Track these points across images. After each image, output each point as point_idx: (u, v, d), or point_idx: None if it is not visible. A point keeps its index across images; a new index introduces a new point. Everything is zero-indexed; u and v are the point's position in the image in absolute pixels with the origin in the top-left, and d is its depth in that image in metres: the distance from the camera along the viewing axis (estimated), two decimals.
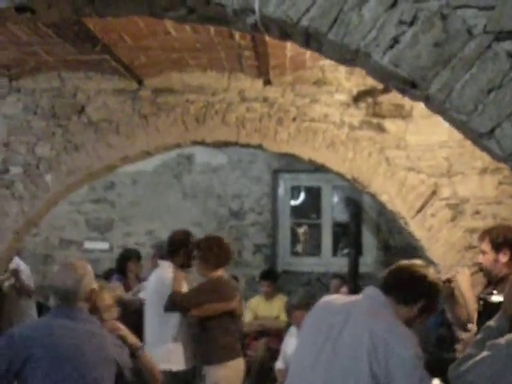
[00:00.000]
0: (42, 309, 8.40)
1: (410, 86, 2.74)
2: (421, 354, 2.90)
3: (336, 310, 3.12)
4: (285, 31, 2.83)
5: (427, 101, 2.76)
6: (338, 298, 3.33)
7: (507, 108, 2.60)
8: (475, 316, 4.29)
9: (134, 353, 4.25)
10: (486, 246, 4.71)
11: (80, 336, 3.97)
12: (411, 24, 2.64)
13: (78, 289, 4.04)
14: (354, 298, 3.26)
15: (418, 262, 3.33)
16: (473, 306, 4.62)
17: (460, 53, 2.62)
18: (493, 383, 2.71)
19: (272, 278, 9.69)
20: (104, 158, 6.33)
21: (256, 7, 2.67)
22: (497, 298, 3.87)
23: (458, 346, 4.09)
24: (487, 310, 3.76)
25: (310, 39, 2.80)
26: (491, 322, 2.93)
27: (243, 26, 2.87)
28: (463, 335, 3.84)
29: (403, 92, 2.88)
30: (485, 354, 2.78)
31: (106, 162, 6.35)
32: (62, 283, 4.04)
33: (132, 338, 4.35)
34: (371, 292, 3.18)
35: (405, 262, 3.32)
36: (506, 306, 3.10)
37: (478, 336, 2.90)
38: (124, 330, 4.36)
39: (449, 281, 4.82)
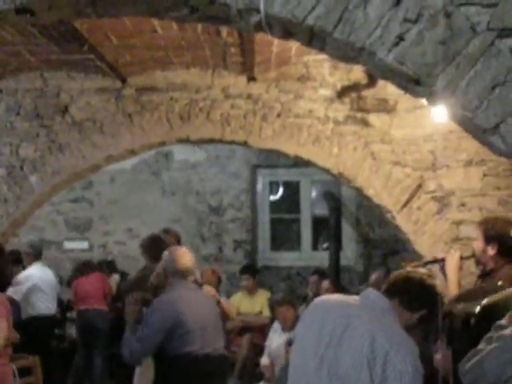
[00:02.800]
0: None
1: (413, 83, 2.77)
2: (420, 367, 2.85)
3: (337, 312, 3.06)
4: (288, 30, 2.84)
5: (431, 97, 2.79)
6: (337, 299, 3.26)
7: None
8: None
9: (218, 302, 5.85)
10: (479, 233, 4.73)
11: (202, 302, 5.19)
12: (416, 22, 2.67)
13: (192, 267, 5.20)
14: (353, 299, 3.19)
15: (425, 271, 3.34)
16: (453, 288, 4.64)
17: (464, 50, 2.66)
18: (501, 372, 2.73)
19: (252, 272, 9.70)
20: (89, 158, 6.28)
21: (261, 7, 2.68)
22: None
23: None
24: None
25: (314, 38, 2.82)
26: (502, 321, 2.94)
27: (246, 26, 2.87)
28: (437, 355, 3.84)
29: (405, 89, 2.90)
30: (492, 346, 2.81)
31: (91, 162, 6.31)
32: (180, 263, 5.08)
33: (218, 297, 6.15)
34: (373, 296, 3.10)
35: (414, 270, 3.35)
36: None
37: (489, 334, 2.91)
38: (215, 292, 6.17)
39: (443, 260, 4.85)
